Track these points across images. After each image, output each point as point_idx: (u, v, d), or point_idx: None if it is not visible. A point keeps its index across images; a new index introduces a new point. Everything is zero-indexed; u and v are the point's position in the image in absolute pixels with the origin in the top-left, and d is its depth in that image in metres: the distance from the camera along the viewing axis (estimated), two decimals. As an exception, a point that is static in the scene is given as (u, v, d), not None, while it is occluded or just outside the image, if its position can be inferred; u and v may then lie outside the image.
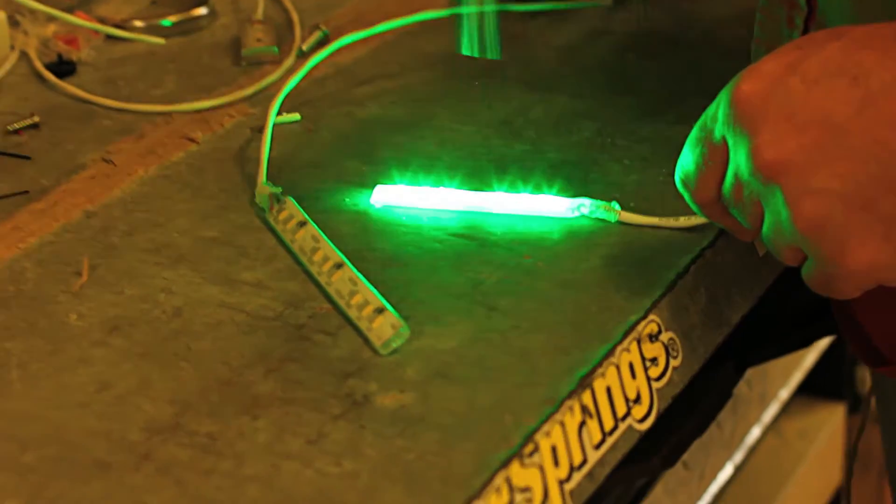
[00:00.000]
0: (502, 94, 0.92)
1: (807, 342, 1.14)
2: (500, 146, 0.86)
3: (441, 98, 0.92)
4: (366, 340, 0.69)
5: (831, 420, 1.48)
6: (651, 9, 1.03)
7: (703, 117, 0.67)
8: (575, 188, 0.80)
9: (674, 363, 0.71)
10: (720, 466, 1.29)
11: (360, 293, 0.71)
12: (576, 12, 1.02)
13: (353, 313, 0.70)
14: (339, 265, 0.73)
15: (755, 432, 1.36)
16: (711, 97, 0.65)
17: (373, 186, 0.81)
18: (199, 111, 0.91)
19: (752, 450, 1.36)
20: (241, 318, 0.71)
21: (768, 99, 0.62)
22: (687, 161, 0.68)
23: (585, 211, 0.78)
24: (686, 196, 0.69)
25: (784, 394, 1.40)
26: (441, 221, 0.79)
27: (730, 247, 0.76)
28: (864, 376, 1.47)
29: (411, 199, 0.80)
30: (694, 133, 0.67)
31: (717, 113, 0.65)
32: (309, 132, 0.89)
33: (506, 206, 0.79)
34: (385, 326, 0.69)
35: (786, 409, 1.42)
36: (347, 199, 0.81)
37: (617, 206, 0.78)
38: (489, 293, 0.72)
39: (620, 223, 0.78)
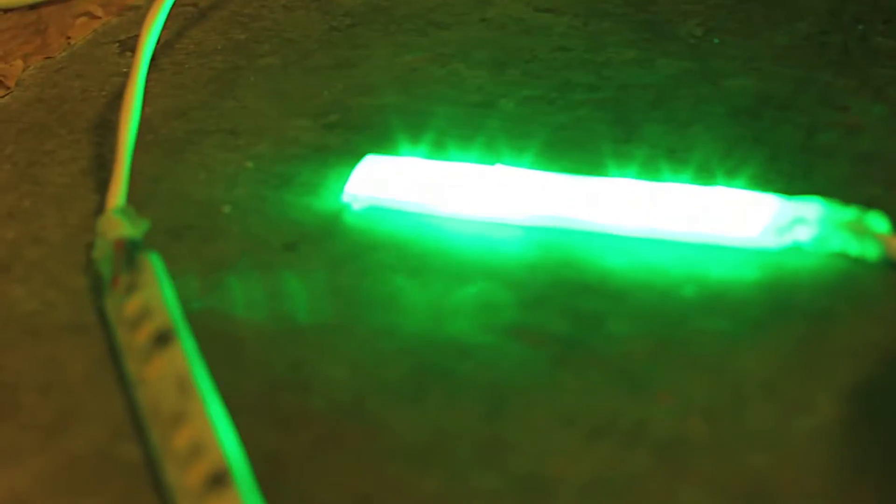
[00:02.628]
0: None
1: None
2: (624, 60, 0.41)
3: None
4: None
5: None
6: None
7: None
8: (784, 168, 0.36)
9: None
10: None
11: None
12: None
13: None
14: None
15: None
16: None
17: (348, 165, 0.38)
18: None
19: None
20: None
21: None
22: None
23: (804, 237, 0.33)
24: None
25: None
26: (498, 258, 0.35)
27: None
28: None
29: (429, 195, 0.36)
30: None
31: None
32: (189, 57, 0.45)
33: (635, 218, 0.35)
34: None
35: None
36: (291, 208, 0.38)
37: (882, 225, 0.33)
38: None
39: (892, 264, 0.33)
